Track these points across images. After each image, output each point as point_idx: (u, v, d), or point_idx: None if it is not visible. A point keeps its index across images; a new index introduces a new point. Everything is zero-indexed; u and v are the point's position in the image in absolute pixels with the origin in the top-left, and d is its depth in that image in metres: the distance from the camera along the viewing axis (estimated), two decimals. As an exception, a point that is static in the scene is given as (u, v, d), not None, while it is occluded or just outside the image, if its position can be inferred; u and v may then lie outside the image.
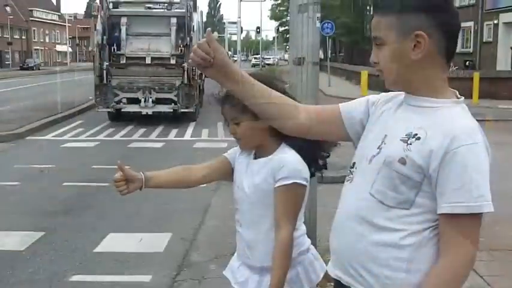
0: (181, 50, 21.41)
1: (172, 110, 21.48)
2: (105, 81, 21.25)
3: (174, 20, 21.63)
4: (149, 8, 22.50)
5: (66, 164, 13.57)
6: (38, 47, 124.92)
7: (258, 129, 3.04)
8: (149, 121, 20.85)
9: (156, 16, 22.02)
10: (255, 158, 3.17)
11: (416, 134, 2.29)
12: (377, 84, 32.56)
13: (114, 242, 8.03)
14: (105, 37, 21.42)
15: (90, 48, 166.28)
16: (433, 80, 2.37)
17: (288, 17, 70.19)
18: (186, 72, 20.84)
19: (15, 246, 7.81)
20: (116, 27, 21.66)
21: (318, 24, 6.48)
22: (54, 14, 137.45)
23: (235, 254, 3.38)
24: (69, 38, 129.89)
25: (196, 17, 23.91)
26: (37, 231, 8.38)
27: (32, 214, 9.36)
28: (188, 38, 21.52)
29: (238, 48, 57.72)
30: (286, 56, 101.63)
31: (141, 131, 19.04)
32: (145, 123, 20.26)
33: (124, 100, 21.40)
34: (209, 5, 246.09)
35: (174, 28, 21.54)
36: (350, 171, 2.55)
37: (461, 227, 2.23)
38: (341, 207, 2.53)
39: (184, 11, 21.87)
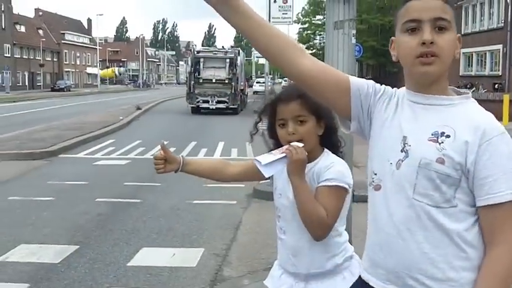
0: (230, 75, 39.28)
1: (225, 106, 38.51)
2: (191, 91, 39.04)
3: (227, 60, 39.82)
4: (215, 53, 41.80)
5: (98, 181, 13.69)
6: (69, 69, 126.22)
7: (315, 133, 3.05)
8: (181, 140, 21.02)
9: (218, 58, 40.31)
10: None
11: (444, 133, 2.30)
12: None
13: (147, 256, 8.07)
14: (192, 68, 40.01)
15: (117, 71, 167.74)
16: (447, 79, 2.44)
17: (315, 40, 70.18)
18: (233, 87, 38.90)
19: (50, 258, 7.88)
20: (198, 63, 39.62)
21: (354, 40, 6.53)
22: (86, 37, 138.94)
23: (276, 262, 3.35)
24: (100, 60, 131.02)
25: (239, 58, 42.60)
26: (72, 245, 8.47)
27: (66, 228, 9.45)
28: (234, 70, 39.59)
29: (266, 70, 57.96)
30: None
31: (172, 149, 19.00)
32: (178, 141, 20.41)
33: (201, 101, 38.79)
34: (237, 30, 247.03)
35: (227, 64, 39.59)
36: (373, 179, 2.50)
37: (507, 214, 2.26)
38: (381, 219, 2.45)
39: (233, 55, 40.50)
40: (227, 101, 38.26)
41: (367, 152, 2.57)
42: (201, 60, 39.47)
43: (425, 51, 2.31)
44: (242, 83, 43.80)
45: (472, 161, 2.26)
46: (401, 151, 2.37)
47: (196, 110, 38.54)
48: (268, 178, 3.09)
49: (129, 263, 7.78)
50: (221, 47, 49.16)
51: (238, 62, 41.20)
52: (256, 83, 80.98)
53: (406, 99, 2.46)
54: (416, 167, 2.32)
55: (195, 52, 42.48)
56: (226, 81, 38.56)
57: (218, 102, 38.32)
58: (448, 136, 2.29)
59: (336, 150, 3.18)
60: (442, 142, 2.29)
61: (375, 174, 2.48)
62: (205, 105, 38.59)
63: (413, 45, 2.34)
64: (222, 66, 39.36)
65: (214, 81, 38.52)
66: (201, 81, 38.66)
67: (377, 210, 2.47)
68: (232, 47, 59.68)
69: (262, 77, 67.92)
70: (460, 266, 2.31)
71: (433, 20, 2.32)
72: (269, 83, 58.24)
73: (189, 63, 41.83)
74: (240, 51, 46.22)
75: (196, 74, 38.86)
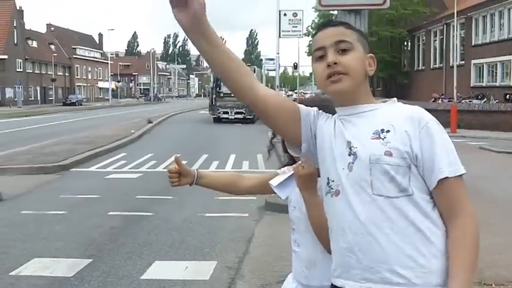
0: None
1: (242, 117, 42.66)
2: (214, 103, 44.17)
3: None
4: None
5: (110, 194, 13.73)
6: (80, 84, 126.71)
7: None
8: (193, 153, 21.08)
9: None
10: None
11: (384, 129, 2.49)
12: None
13: (160, 270, 8.08)
14: (214, 84, 45.07)
15: (131, 86, 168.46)
16: (369, 92, 2.67)
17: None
18: None
19: (63, 272, 7.90)
20: (219, 79, 38.62)
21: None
22: (97, 51, 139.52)
23: (290, 275, 3.37)
24: (111, 74, 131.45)
25: (255, 75, 42.64)
26: (84, 258, 8.49)
27: (79, 242, 9.47)
28: None
29: (277, 83, 58.12)
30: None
31: (183, 162, 18.96)
32: (190, 153, 20.45)
33: (221, 112, 43.39)
34: (247, 43, 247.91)
35: None
36: (330, 186, 2.62)
37: (456, 189, 2.48)
38: (346, 221, 2.55)
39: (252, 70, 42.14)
40: (244, 112, 42.73)
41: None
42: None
43: (331, 72, 2.55)
44: None
45: (417, 146, 2.45)
46: (349, 155, 2.54)
47: (218, 120, 43.92)
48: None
49: (142, 276, 7.79)
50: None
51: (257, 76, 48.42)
52: None
53: (340, 117, 2.65)
54: (368, 165, 2.48)
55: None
56: None
57: (236, 113, 43.42)
58: (388, 131, 2.48)
59: None
60: (385, 137, 2.48)
61: (332, 181, 2.61)
62: (225, 115, 43.80)
63: (322, 69, 2.58)
64: None
65: (233, 95, 44.60)
66: (221, 95, 43.20)
67: (340, 215, 2.58)
68: (249, 65, 60.78)
69: (282, 90, 70.92)
70: (428, 252, 2.45)
71: (334, 44, 2.57)
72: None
73: (212, 79, 48.96)
74: (256, 68, 52.92)
75: (218, 89, 43.73)
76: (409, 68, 66.49)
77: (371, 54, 2.65)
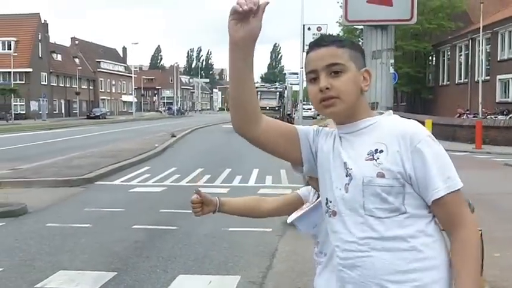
0: (280, 104, 52.87)
1: None
2: None
3: (277, 93, 54.84)
4: (268, 88, 56.97)
5: (134, 207, 13.80)
6: (104, 97, 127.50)
7: None
8: (216, 167, 21.14)
9: (271, 91, 54.41)
10: None
11: (377, 149, 2.54)
12: (441, 133, 32.34)
13: (184, 284, 8.11)
14: None
15: (154, 99, 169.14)
16: (367, 106, 2.71)
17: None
18: (281, 113, 50.88)
19: (89, 285, 7.95)
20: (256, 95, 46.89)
21: (392, 70, 6.56)
22: (121, 65, 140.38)
23: None
24: (135, 88, 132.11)
25: (286, 91, 57.93)
26: (109, 272, 8.53)
27: (104, 255, 9.53)
28: (283, 100, 55.30)
29: (300, 97, 58.25)
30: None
31: (207, 177, 19.24)
32: (213, 168, 20.51)
33: None
34: (271, 57, 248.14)
35: (277, 96, 54.65)
36: (327, 206, 2.72)
37: (454, 204, 2.51)
38: (342, 240, 2.65)
39: (281, 89, 56.23)
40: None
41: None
42: (259, 92, 49.59)
43: (323, 97, 2.59)
44: (289, 110, 62.29)
45: (409, 167, 2.48)
46: (346, 176, 2.60)
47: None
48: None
49: (166, 290, 7.80)
50: (273, 83, 68.32)
51: (285, 94, 58.28)
52: (302, 109, 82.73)
53: (340, 134, 2.70)
54: (361, 186, 2.54)
55: (260, 92, 53.84)
56: (276, 109, 52.41)
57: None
58: (381, 151, 2.53)
59: None
60: (378, 158, 2.52)
61: (330, 202, 2.70)
62: None
63: (315, 92, 2.62)
64: (273, 98, 54.66)
65: (267, 108, 49.57)
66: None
67: (336, 234, 2.68)
68: (281, 83, 69.66)
69: (308, 104, 74.13)
70: (421, 266, 2.51)
71: (326, 67, 2.59)
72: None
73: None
74: (288, 85, 62.44)
75: None
76: (433, 83, 66.21)
77: (365, 68, 2.67)
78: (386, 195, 2.50)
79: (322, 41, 2.65)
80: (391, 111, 2.74)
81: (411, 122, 2.58)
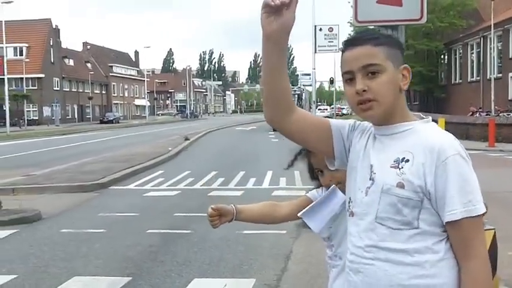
0: (298, 106, 52.80)
1: None
2: None
3: (296, 95, 53.07)
4: None
5: (148, 212, 13.81)
6: (117, 101, 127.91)
7: None
8: (229, 170, 21.15)
9: None
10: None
11: (404, 158, 2.45)
12: (454, 131, 32.20)
13: None
14: None
15: (167, 103, 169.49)
16: (405, 107, 2.61)
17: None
18: None
19: (103, 290, 7.96)
20: None
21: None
22: (133, 69, 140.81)
23: None
24: (147, 92, 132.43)
25: (304, 94, 62.54)
26: (124, 277, 8.53)
27: (118, 260, 9.53)
28: (300, 102, 55.78)
29: (314, 99, 58.55)
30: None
31: (220, 180, 19.22)
32: (227, 170, 20.52)
33: None
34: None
35: (296, 98, 48.59)
36: (349, 205, 2.68)
37: (470, 230, 2.41)
38: (352, 243, 2.63)
39: (299, 92, 61.00)
40: None
41: None
42: None
43: (361, 100, 2.50)
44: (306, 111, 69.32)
45: (431, 182, 2.40)
46: (370, 179, 2.54)
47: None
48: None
49: (182, 294, 7.80)
50: (292, 87, 74.25)
51: (303, 96, 63.02)
52: (318, 109, 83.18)
53: (375, 134, 2.63)
54: (379, 193, 2.48)
55: None
56: None
57: None
58: (407, 161, 2.45)
59: None
60: (402, 167, 2.44)
61: (351, 201, 2.66)
62: None
63: (352, 94, 2.53)
64: (293, 100, 61.21)
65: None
66: None
67: (350, 236, 2.66)
68: (299, 87, 70.54)
69: (322, 104, 76.12)
70: (421, 284, 2.44)
71: (362, 68, 2.49)
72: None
73: None
74: (305, 88, 68.13)
75: None
76: (446, 82, 66.09)
77: (404, 65, 2.57)
78: (402, 207, 2.43)
79: (357, 40, 2.55)
80: (430, 117, 2.62)
81: (444, 136, 2.49)
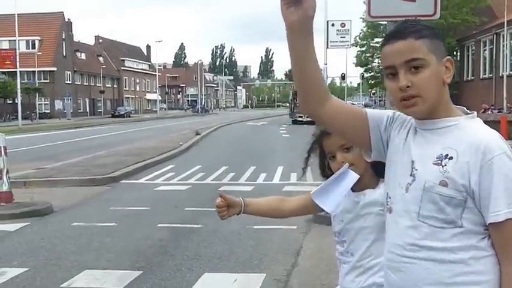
0: None
1: (312, 120, 50.69)
2: (292, 111, 63.03)
3: None
4: None
5: (159, 206, 13.84)
6: (128, 95, 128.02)
7: (363, 159, 3.01)
8: (240, 165, 21.19)
9: None
10: (354, 191, 3.20)
11: (447, 155, 2.38)
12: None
13: (210, 282, 8.13)
14: (292, 96, 64.14)
15: (178, 97, 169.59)
16: (449, 101, 2.54)
17: (373, 63, 70.69)
18: None
19: (114, 284, 7.99)
20: (296, 93, 47.62)
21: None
22: (145, 63, 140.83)
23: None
24: (159, 86, 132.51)
25: None
26: (134, 271, 8.56)
27: (129, 254, 9.56)
28: None
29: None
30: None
31: (231, 174, 19.22)
32: (238, 165, 20.54)
33: (297, 116, 55.12)
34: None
35: None
36: (387, 202, 2.62)
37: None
38: (390, 240, 2.58)
39: None
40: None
41: None
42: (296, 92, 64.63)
43: (404, 96, 2.43)
44: None
45: (475, 181, 2.33)
46: (410, 175, 2.47)
47: (295, 122, 56.87)
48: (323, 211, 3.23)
49: (192, 288, 7.81)
50: None
51: None
52: None
53: (416, 127, 2.55)
54: (421, 190, 2.41)
55: (294, 87, 72.39)
56: None
57: (307, 117, 61.20)
58: (451, 158, 2.37)
59: None
60: (445, 165, 2.37)
61: (389, 197, 2.59)
62: (300, 118, 55.57)
63: (394, 90, 2.46)
64: None
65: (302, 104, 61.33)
66: (297, 104, 53.76)
67: (388, 233, 2.61)
68: None
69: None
70: (466, 281, 2.38)
71: (405, 62, 2.41)
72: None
73: (291, 93, 68.01)
74: None
75: (295, 100, 58.35)
76: (458, 78, 65.78)
77: (447, 57, 2.50)
78: (444, 205, 2.36)
79: (399, 33, 2.47)
80: (475, 113, 2.53)
81: (491, 133, 2.42)
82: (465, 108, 2.59)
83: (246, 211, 3.41)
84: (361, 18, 62.23)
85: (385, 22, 7.33)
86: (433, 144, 2.44)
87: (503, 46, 48.80)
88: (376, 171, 3.15)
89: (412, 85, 2.41)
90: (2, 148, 13.19)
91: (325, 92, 2.62)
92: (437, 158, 2.39)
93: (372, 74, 73.97)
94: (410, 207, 2.45)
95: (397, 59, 2.43)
